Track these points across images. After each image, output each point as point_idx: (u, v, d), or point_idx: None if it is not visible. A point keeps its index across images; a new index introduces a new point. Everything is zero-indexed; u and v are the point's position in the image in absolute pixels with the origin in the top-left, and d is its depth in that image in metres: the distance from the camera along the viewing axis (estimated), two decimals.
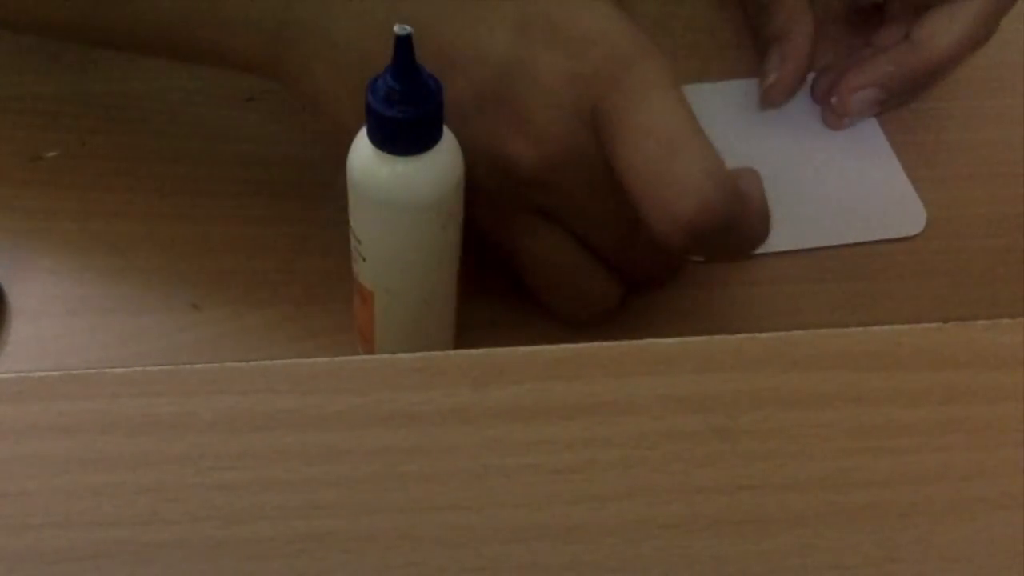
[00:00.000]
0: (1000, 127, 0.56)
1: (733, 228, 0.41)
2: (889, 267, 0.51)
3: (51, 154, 0.52)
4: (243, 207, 0.50)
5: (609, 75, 0.41)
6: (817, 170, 0.54)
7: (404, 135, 0.38)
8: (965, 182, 0.54)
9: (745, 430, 0.35)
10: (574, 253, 0.45)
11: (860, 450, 0.35)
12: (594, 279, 0.46)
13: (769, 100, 0.55)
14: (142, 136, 0.53)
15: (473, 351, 0.37)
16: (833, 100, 0.55)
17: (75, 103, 0.54)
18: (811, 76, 0.57)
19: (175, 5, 0.45)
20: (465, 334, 0.47)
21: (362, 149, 0.39)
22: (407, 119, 0.37)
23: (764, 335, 0.37)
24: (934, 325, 0.38)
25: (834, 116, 0.55)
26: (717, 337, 0.37)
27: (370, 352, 0.45)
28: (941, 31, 0.53)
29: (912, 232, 0.52)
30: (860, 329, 0.38)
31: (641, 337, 0.37)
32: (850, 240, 0.51)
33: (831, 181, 0.54)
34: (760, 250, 0.51)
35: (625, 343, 0.37)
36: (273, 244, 0.50)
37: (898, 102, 0.56)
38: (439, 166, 0.39)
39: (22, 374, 0.36)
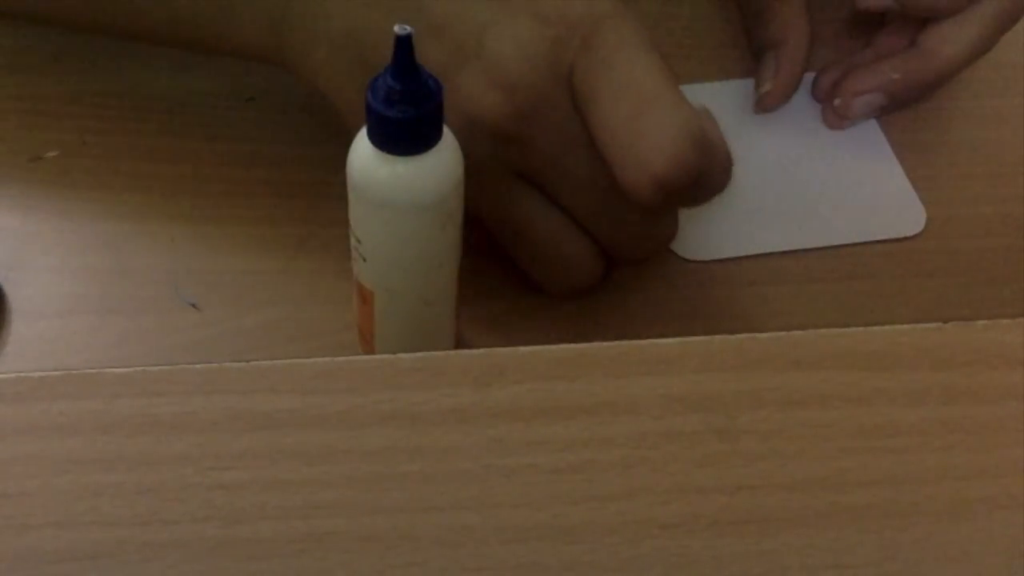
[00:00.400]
0: (1000, 127, 0.56)
1: (701, 180, 0.42)
2: (889, 267, 0.51)
3: (51, 154, 0.52)
4: (243, 207, 0.50)
5: (585, 35, 0.42)
6: (816, 170, 0.54)
7: (404, 135, 0.38)
8: (965, 182, 0.54)
9: (745, 430, 0.35)
10: (553, 219, 0.46)
11: (860, 450, 0.35)
12: (574, 246, 0.46)
13: (763, 107, 0.56)
14: (142, 136, 0.53)
15: (473, 351, 0.37)
16: (836, 102, 0.55)
17: (75, 103, 0.54)
18: (810, 75, 0.57)
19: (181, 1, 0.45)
20: (465, 334, 0.47)
21: (362, 149, 0.39)
22: (407, 119, 0.37)
23: (764, 335, 0.37)
24: (934, 325, 0.38)
25: (835, 117, 0.55)
26: (717, 337, 0.37)
27: (370, 352, 0.45)
28: (949, 40, 0.53)
29: (911, 232, 0.52)
30: (860, 329, 0.38)
31: (641, 337, 0.37)
32: (849, 240, 0.51)
33: (830, 181, 0.54)
34: (760, 250, 0.51)
35: (625, 343, 0.37)
36: (273, 244, 0.50)
37: (900, 107, 0.56)
38: (439, 166, 0.39)
39: (22, 374, 0.36)
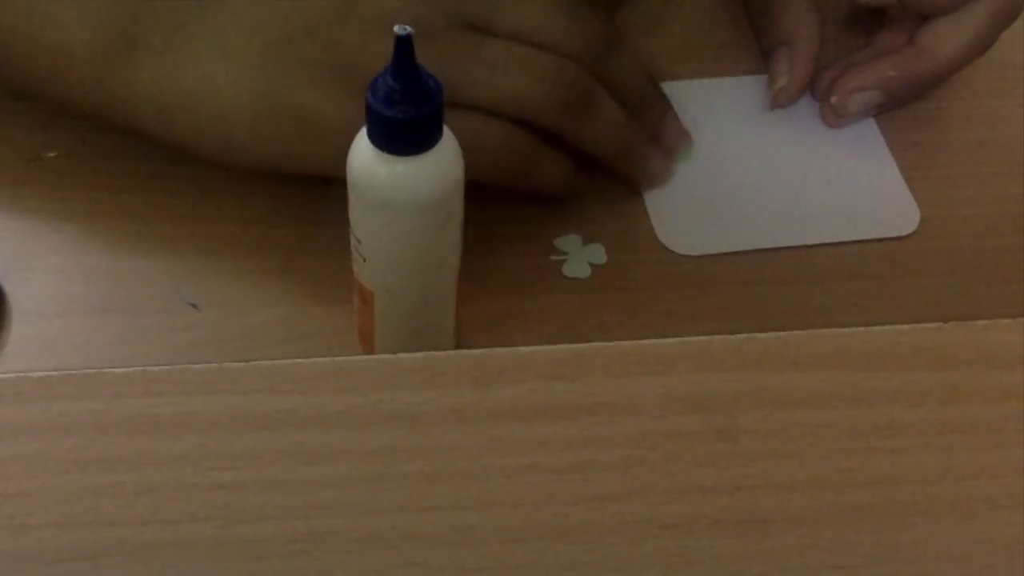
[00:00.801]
0: (1000, 127, 0.56)
1: None
2: (889, 267, 0.51)
3: (51, 154, 0.52)
4: (243, 207, 0.50)
5: None
6: (812, 168, 0.54)
7: (404, 135, 0.38)
8: (965, 182, 0.54)
9: (745, 430, 0.35)
10: (504, 124, 0.46)
11: (860, 450, 0.35)
12: (530, 143, 0.47)
13: (778, 102, 0.56)
14: (142, 136, 0.53)
15: (473, 351, 0.37)
16: (833, 100, 0.55)
17: None
18: None
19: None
20: (465, 334, 0.47)
21: (362, 149, 0.39)
22: (407, 119, 0.37)
23: (764, 335, 0.37)
24: (934, 325, 0.38)
25: (833, 115, 0.55)
26: (717, 337, 0.37)
27: (370, 352, 0.45)
28: (946, 38, 0.54)
29: (904, 232, 0.52)
30: (860, 329, 0.38)
31: (641, 337, 0.37)
32: (842, 238, 0.51)
33: (825, 179, 0.54)
34: (754, 246, 0.51)
35: (625, 343, 0.37)
36: (273, 244, 0.50)
37: (897, 105, 0.56)
38: (439, 166, 0.39)
39: (22, 374, 0.36)
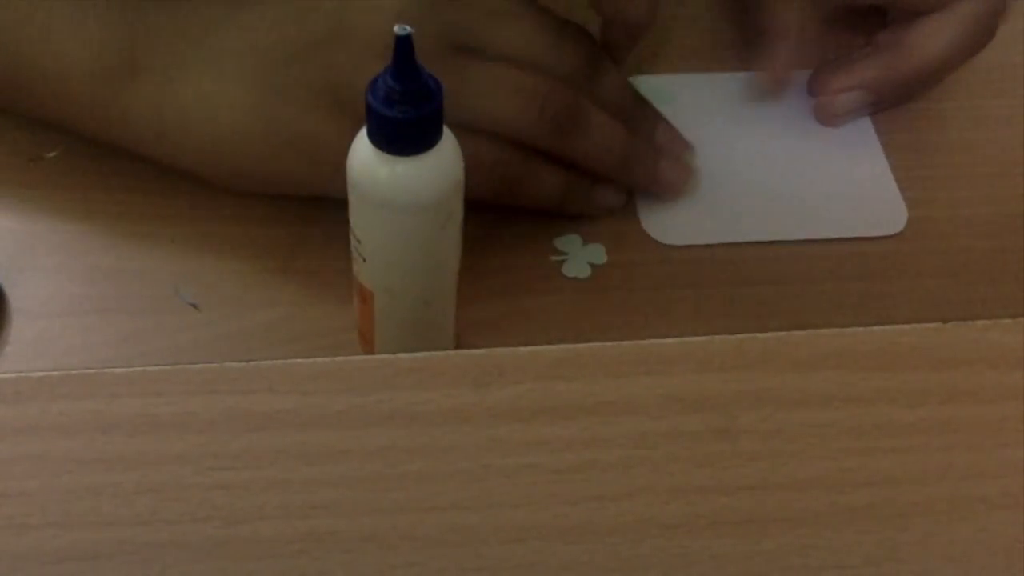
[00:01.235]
0: (999, 127, 0.56)
1: None
2: (888, 267, 0.51)
3: (51, 154, 0.52)
4: (243, 207, 0.50)
5: None
6: (803, 164, 0.54)
7: (404, 135, 0.38)
8: (964, 182, 0.54)
9: (745, 430, 0.35)
10: (502, 146, 0.47)
11: (860, 450, 0.35)
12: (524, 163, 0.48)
13: (757, 94, 0.56)
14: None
15: (473, 351, 0.37)
16: (821, 99, 0.55)
17: None
18: (805, 73, 0.57)
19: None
20: (465, 334, 0.47)
21: (362, 149, 0.39)
22: (407, 119, 0.37)
23: (764, 335, 0.37)
24: (934, 325, 0.38)
25: (824, 114, 0.55)
26: (717, 337, 0.37)
27: (370, 352, 0.45)
28: (930, 38, 0.54)
29: (891, 231, 0.52)
30: (860, 329, 0.38)
31: (641, 337, 0.37)
32: (828, 235, 0.52)
33: (816, 176, 0.54)
34: (742, 239, 0.51)
35: (625, 343, 0.37)
36: (273, 244, 0.50)
37: (888, 104, 0.56)
38: (439, 166, 0.39)
39: (22, 374, 0.36)
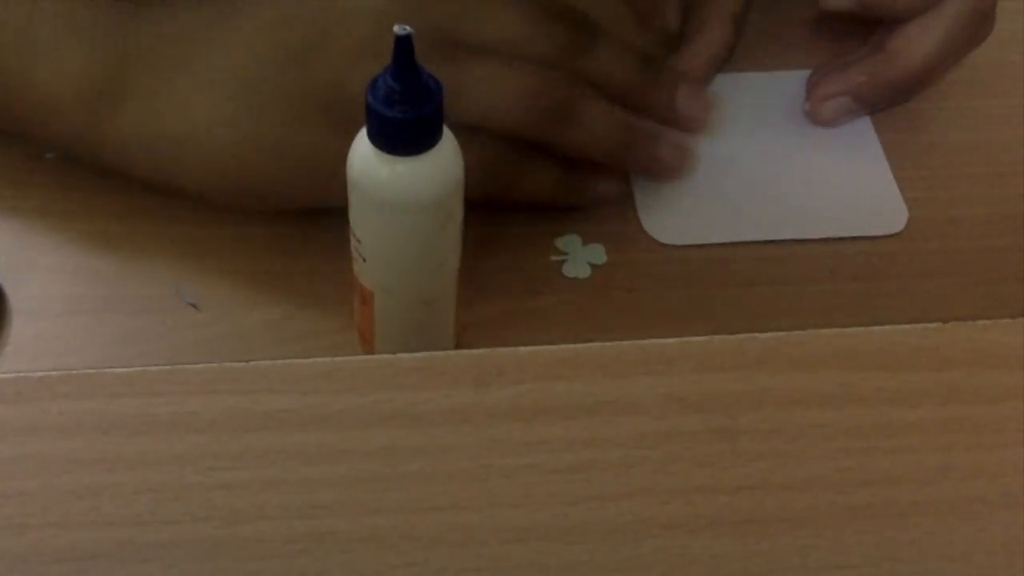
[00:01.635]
0: (999, 127, 0.56)
1: None
2: (889, 267, 0.51)
3: (51, 155, 0.52)
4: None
5: None
6: (803, 163, 0.54)
7: (404, 135, 0.38)
8: (965, 182, 0.54)
9: (745, 430, 0.35)
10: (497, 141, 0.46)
11: (860, 450, 0.35)
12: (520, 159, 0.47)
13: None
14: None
15: (473, 351, 0.37)
16: (806, 107, 0.55)
17: None
18: (806, 73, 0.57)
19: None
20: (465, 334, 0.47)
21: (362, 149, 0.39)
22: (407, 119, 0.37)
23: (764, 335, 0.37)
24: (934, 325, 0.38)
25: (814, 119, 0.55)
26: (717, 337, 0.37)
27: (370, 352, 0.45)
28: (913, 42, 0.53)
29: (891, 231, 0.52)
30: (860, 329, 0.38)
31: (641, 337, 0.37)
32: (828, 235, 0.52)
33: (816, 175, 0.54)
34: (740, 238, 0.51)
35: (625, 343, 0.37)
36: (273, 244, 0.50)
37: (883, 106, 0.56)
38: (439, 166, 0.39)
39: (22, 374, 0.36)
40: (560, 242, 0.51)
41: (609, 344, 0.37)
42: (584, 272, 0.50)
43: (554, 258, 0.50)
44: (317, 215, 0.50)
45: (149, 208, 0.50)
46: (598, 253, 0.50)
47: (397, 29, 0.36)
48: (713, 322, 0.49)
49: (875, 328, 0.38)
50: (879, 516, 0.34)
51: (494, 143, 0.46)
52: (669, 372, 0.36)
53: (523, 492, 0.34)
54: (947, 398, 0.37)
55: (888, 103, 0.56)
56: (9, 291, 0.47)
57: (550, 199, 0.50)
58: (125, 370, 0.36)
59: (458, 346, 0.46)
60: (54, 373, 0.36)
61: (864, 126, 0.56)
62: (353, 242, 0.42)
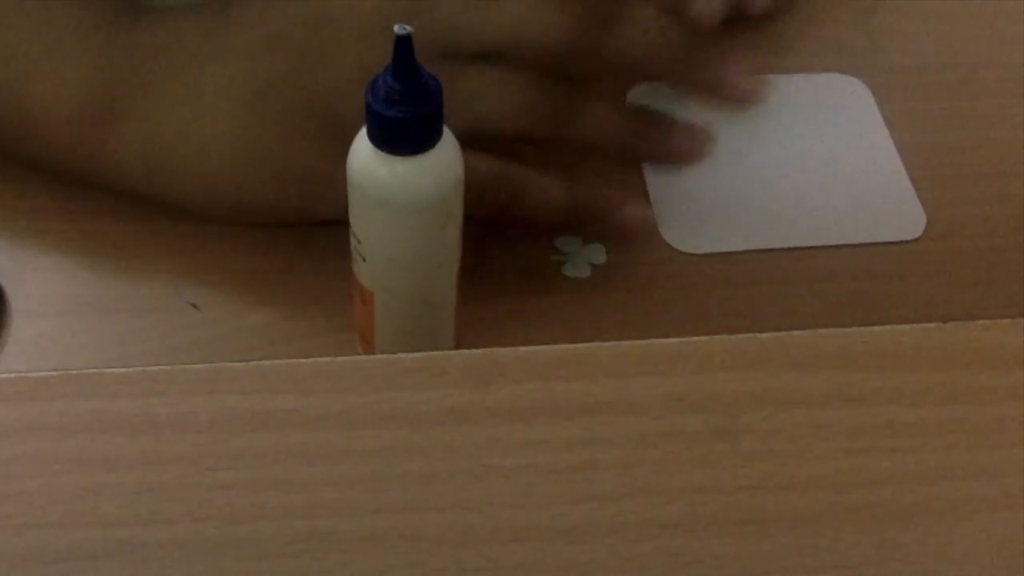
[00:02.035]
0: (1000, 128, 0.56)
1: None
2: (889, 267, 0.51)
3: None
4: None
5: None
6: (820, 169, 0.54)
7: (404, 135, 0.38)
8: (965, 182, 0.54)
9: (745, 430, 0.35)
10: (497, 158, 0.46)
11: (860, 450, 0.35)
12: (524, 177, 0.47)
13: None
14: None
15: (473, 351, 0.37)
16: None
17: None
18: (817, 76, 0.57)
19: None
20: (465, 334, 0.47)
21: (362, 149, 0.39)
22: (407, 119, 0.37)
23: (764, 335, 0.37)
24: (934, 325, 0.38)
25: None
26: (717, 337, 0.37)
27: (370, 352, 0.45)
28: None
29: (910, 236, 0.52)
30: (860, 329, 0.38)
31: (641, 337, 0.37)
32: (848, 241, 0.51)
33: (833, 181, 0.54)
34: (757, 246, 0.51)
35: (625, 343, 0.37)
36: (273, 244, 0.50)
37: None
38: (439, 166, 0.39)
39: (22, 374, 0.36)
40: (560, 242, 0.51)
41: (609, 344, 0.37)
42: (584, 272, 0.50)
43: (554, 258, 0.50)
44: None
45: (149, 208, 0.50)
46: (598, 253, 0.50)
47: (397, 29, 0.36)
48: (713, 322, 0.49)
49: (875, 328, 0.38)
50: (879, 516, 0.34)
51: (498, 160, 0.46)
52: (669, 372, 0.36)
53: (523, 492, 0.34)
54: (947, 398, 0.37)
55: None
56: (9, 291, 0.47)
57: (555, 216, 0.49)
58: (125, 370, 0.36)
59: (458, 346, 0.46)
60: (54, 373, 0.36)
61: (879, 129, 0.55)
62: (353, 242, 0.42)
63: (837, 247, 0.51)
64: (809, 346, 0.37)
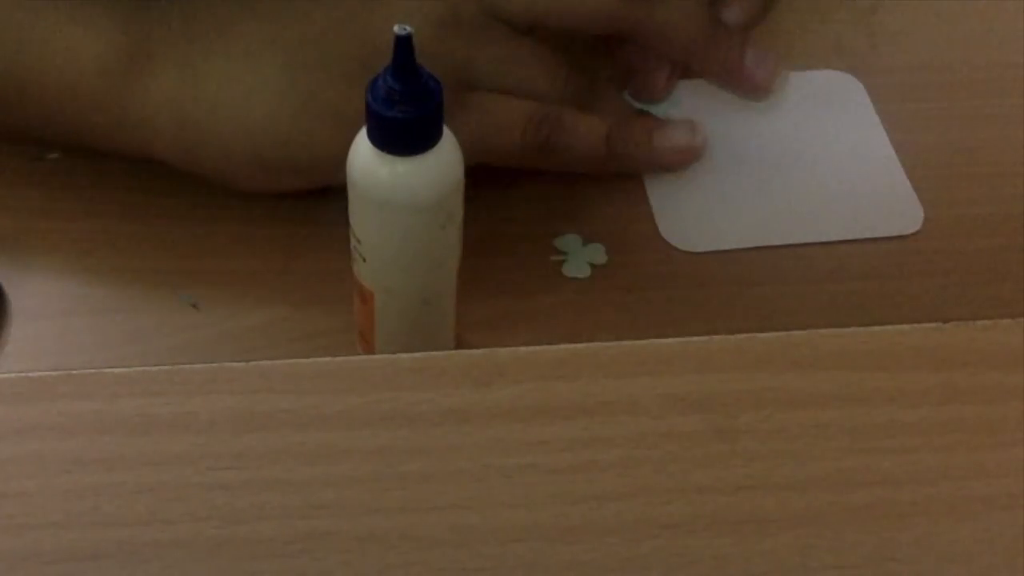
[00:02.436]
0: (1000, 127, 0.56)
1: None
2: (889, 267, 0.51)
3: (52, 155, 0.52)
4: (243, 207, 0.50)
5: None
6: (817, 166, 0.54)
7: (404, 135, 0.38)
8: (965, 182, 0.54)
9: (745, 430, 0.35)
10: (512, 100, 0.47)
11: (860, 450, 0.35)
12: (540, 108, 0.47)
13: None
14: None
15: (473, 351, 0.37)
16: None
17: None
18: (812, 72, 0.57)
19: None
20: (465, 334, 0.47)
21: (362, 149, 0.39)
22: (407, 119, 0.37)
23: (764, 335, 0.37)
24: (934, 325, 0.38)
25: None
26: (717, 337, 0.37)
27: (370, 352, 0.45)
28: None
29: (908, 231, 0.52)
30: (860, 329, 0.38)
31: (641, 337, 0.37)
32: (846, 237, 0.52)
33: (830, 177, 0.54)
34: (755, 244, 0.51)
35: (625, 343, 0.37)
36: (273, 244, 0.50)
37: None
38: (439, 166, 0.39)
39: (22, 374, 0.36)
40: (560, 242, 0.51)
41: (609, 344, 0.37)
42: (584, 272, 0.50)
43: (554, 258, 0.50)
44: (317, 215, 0.50)
45: (149, 208, 0.50)
46: (598, 253, 0.50)
47: (397, 29, 0.36)
48: (713, 322, 0.49)
49: (875, 328, 0.38)
50: (879, 516, 0.34)
51: (536, 103, 0.47)
52: (669, 372, 0.36)
53: (523, 492, 0.34)
54: (947, 398, 0.37)
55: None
56: (9, 291, 0.47)
57: (598, 155, 0.49)
58: (125, 370, 0.36)
59: (458, 346, 0.46)
60: (54, 373, 0.36)
61: (875, 127, 0.55)
62: (353, 242, 0.42)
63: (836, 244, 0.51)
64: (809, 346, 0.37)
